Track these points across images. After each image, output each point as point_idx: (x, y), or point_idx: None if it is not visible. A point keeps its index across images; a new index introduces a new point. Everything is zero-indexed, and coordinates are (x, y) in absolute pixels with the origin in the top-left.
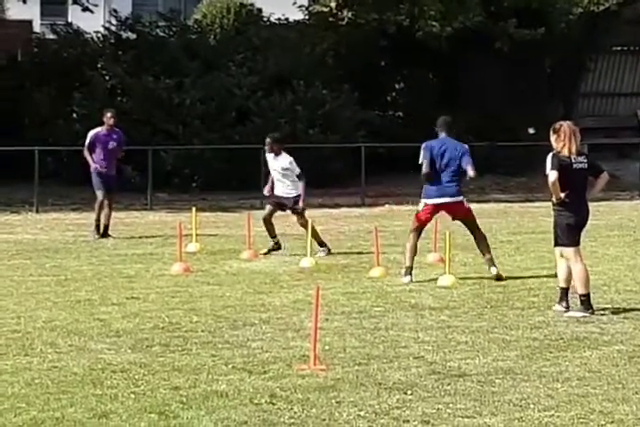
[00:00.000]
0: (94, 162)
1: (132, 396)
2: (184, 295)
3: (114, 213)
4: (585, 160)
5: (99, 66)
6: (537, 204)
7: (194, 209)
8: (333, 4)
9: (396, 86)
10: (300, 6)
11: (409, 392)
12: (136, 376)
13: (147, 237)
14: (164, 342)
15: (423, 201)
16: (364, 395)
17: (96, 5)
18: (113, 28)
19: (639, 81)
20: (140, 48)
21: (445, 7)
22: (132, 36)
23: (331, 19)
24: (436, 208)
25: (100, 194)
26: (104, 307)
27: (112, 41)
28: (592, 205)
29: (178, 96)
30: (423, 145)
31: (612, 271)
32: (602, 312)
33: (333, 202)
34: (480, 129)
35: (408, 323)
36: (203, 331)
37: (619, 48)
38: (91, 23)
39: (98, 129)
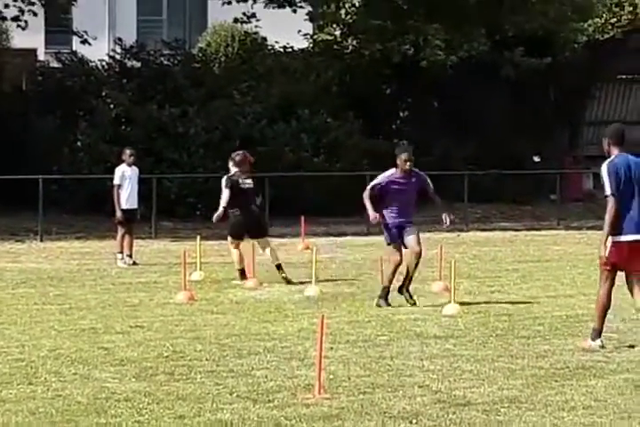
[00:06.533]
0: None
1: (137, 425)
2: (188, 324)
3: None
4: (251, 182)
5: (103, 94)
6: (543, 232)
7: (198, 237)
8: (338, 33)
9: (401, 114)
10: (304, 34)
11: (414, 421)
12: (140, 405)
13: (151, 265)
14: (168, 370)
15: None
16: (369, 424)
17: (95, 38)
18: (117, 57)
19: None
20: (144, 76)
21: (450, 36)
22: (137, 64)
23: (335, 47)
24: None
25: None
26: (108, 336)
27: (117, 69)
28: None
29: (182, 124)
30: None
31: (617, 300)
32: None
33: (338, 230)
34: (485, 157)
35: (413, 352)
36: (207, 360)
37: (624, 76)
38: (95, 52)
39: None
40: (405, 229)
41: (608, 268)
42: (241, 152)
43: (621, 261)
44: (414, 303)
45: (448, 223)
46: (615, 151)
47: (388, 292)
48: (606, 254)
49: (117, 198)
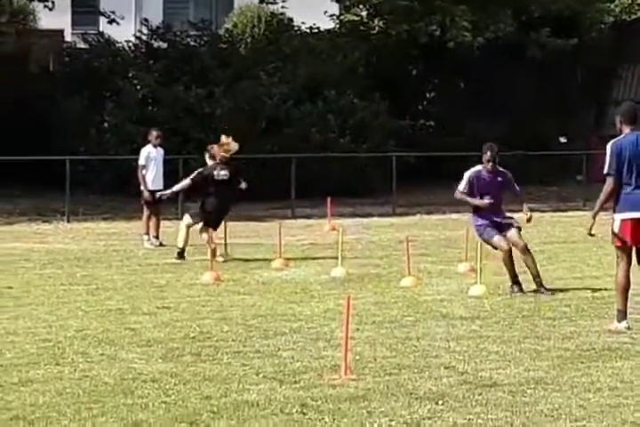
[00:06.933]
0: None
1: (163, 405)
2: (215, 305)
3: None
4: (227, 173)
5: (130, 75)
6: (569, 213)
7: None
8: (364, 14)
9: (427, 95)
10: (331, 15)
11: (440, 402)
12: (167, 386)
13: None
14: (194, 351)
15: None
16: (395, 405)
17: (122, 18)
18: (144, 38)
19: None
20: (170, 57)
21: (477, 17)
22: (163, 45)
23: (362, 28)
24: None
25: None
26: (135, 316)
27: (143, 50)
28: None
29: (208, 105)
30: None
31: None
32: (634, 323)
33: (364, 211)
34: (511, 138)
35: (439, 333)
36: (233, 340)
37: None
38: (122, 32)
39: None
40: (503, 225)
41: (618, 244)
42: (215, 145)
43: (631, 238)
44: (552, 293)
45: (529, 215)
46: (627, 130)
47: (518, 281)
48: (616, 231)
49: (143, 178)
